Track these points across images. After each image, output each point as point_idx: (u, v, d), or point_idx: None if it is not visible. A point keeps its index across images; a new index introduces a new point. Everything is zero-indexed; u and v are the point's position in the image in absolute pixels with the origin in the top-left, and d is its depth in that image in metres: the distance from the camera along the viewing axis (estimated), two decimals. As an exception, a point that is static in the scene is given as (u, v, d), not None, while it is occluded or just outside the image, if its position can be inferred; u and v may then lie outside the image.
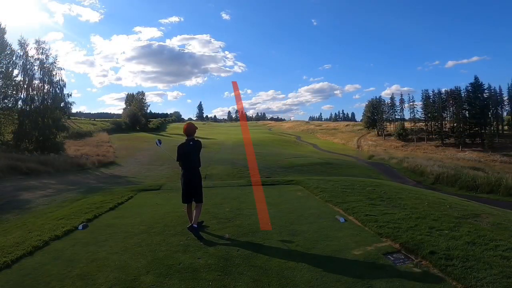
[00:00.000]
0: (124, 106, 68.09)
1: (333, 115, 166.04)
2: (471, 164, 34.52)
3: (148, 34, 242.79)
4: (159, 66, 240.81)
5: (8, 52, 23.53)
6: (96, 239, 4.16)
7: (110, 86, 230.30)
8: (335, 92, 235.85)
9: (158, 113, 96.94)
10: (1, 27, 23.28)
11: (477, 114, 51.61)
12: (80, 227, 4.74)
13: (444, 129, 56.49)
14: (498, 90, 57.35)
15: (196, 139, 4.38)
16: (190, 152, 4.26)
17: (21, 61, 24.33)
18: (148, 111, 68.78)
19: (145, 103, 65.55)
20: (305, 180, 8.55)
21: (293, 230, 4.23)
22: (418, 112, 62.56)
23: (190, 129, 4.33)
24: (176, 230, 4.38)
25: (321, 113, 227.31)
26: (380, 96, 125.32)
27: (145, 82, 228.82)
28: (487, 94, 55.11)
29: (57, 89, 25.71)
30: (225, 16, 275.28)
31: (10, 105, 23.86)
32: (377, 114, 67.67)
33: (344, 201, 5.68)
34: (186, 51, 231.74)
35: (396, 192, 6.61)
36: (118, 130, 48.42)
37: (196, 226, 4.08)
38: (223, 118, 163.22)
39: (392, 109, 68.39)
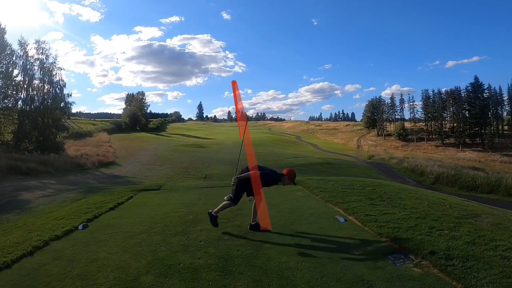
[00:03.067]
0: (124, 106, 68.36)
1: (333, 115, 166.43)
2: (471, 164, 34.56)
3: (148, 33, 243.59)
4: (160, 66, 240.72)
5: (8, 52, 23.57)
6: (96, 239, 4.15)
7: (110, 86, 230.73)
8: (335, 92, 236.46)
9: (158, 113, 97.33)
10: (1, 27, 23.32)
11: (477, 114, 51.65)
12: (80, 227, 4.74)
13: (444, 129, 56.53)
14: (498, 90, 57.60)
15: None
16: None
17: (21, 61, 24.40)
18: (148, 111, 69.10)
19: (145, 103, 65.76)
20: (305, 180, 8.55)
21: (293, 230, 4.23)
22: (418, 112, 62.76)
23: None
24: (176, 230, 4.38)
25: (321, 113, 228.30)
26: (380, 96, 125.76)
27: (145, 82, 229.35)
28: (487, 94, 55.20)
29: (57, 89, 25.82)
30: (225, 16, 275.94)
31: (10, 105, 23.91)
32: (377, 114, 67.72)
33: (344, 201, 5.68)
34: (186, 51, 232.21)
35: (396, 192, 6.61)
36: (118, 130, 48.54)
37: (214, 214, 4.31)
38: (223, 118, 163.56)
39: (392, 109, 68.51)
